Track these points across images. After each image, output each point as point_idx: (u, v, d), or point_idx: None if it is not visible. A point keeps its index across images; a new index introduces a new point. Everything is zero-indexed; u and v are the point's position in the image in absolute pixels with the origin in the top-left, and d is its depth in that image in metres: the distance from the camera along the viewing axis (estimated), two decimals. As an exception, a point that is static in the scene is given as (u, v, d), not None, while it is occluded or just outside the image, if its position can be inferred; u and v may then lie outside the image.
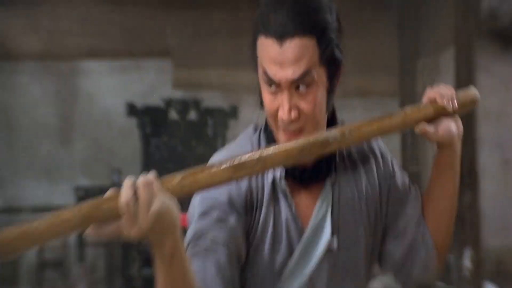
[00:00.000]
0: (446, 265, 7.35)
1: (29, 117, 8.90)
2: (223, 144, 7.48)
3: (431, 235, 2.31)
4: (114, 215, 1.70)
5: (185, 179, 1.89)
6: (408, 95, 8.16)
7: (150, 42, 8.31)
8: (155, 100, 7.90)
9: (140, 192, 1.67)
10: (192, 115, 7.64)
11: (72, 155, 8.70)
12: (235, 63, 8.10)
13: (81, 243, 7.64)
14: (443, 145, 2.19)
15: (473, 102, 2.23)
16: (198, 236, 2.04)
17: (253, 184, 2.16)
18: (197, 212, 2.10)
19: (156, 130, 7.66)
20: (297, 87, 2.02)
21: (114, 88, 8.89)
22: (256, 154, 1.99)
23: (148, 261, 7.12)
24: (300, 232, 2.17)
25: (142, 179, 1.68)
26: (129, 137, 8.18)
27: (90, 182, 8.26)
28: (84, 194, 7.64)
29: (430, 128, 2.11)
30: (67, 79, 8.89)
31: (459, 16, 7.28)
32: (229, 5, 8.07)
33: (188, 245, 2.00)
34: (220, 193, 2.08)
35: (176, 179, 1.87)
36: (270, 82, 2.03)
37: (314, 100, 2.05)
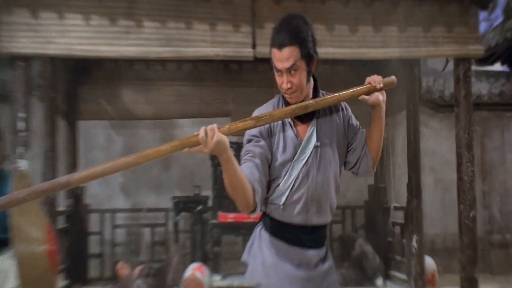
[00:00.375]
0: (401, 246, 7.51)
1: (145, 153, 9.02)
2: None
3: (370, 153, 2.91)
4: (196, 143, 2.40)
5: (231, 126, 2.57)
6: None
7: (218, 107, 8.25)
8: (221, 143, 7.77)
9: (208, 132, 2.38)
10: (243, 152, 7.32)
11: (171, 176, 8.79)
12: (270, 120, 8.18)
13: (177, 231, 7.61)
14: (374, 106, 2.77)
15: (392, 83, 2.79)
16: (246, 153, 2.77)
17: (272, 124, 2.78)
18: (246, 141, 2.81)
19: (221, 161, 7.32)
20: (290, 71, 2.66)
21: (196, 135, 9.03)
22: (268, 113, 2.67)
23: (216, 243, 7.13)
24: (300, 142, 2.80)
25: (209, 126, 2.40)
26: (204, 165, 8.10)
27: (181, 193, 8.21)
28: (178, 201, 7.56)
29: (366, 97, 2.72)
30: (167, 130, 9.13)
31: (409, 91, 7.30)
32: (267, 84, 7.95)
33: (241, 157, 2.76)
34: (255, 131, 2.76)
35: (226, 126, 2.54)
36: (277, 70, 2.71)
37: (299, 77, 2.68)
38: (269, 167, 2.78)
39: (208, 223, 7.40)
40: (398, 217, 7.72)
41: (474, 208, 6.26)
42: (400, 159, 7.87)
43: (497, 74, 9.76)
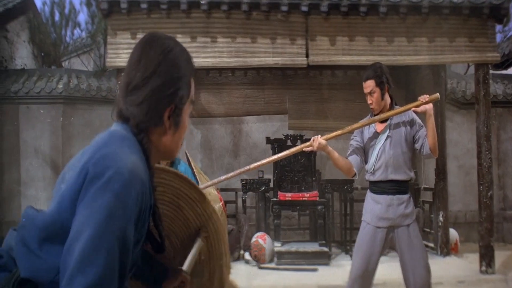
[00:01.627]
0: (430, 220, 7.40)
1: (218, 143, 9.02)
2: (314, 156, 7.66)
3: (428, 142, 3.52)
4: (309, 146, 3.54)
5: (327, 136, 3.59)
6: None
7: (277, 106, 8.20)
8: (279, 135, 7.81)
9: (314, 139, 3.55)
10: (298, 143, 7.36)
11: (239, 162, 8.62)
12: (319, 117, 8.04)
13: (244, 206, 7.50)
14: (425, 114, 3.42)
15: (436, 98, 3.48)
16: (350, 145, 3.77)
17: (363, 128, 3.75)
18: (351, 138, 3.79)
19: (280, 151, 6.89)
20: (370, 94, 3.60)
21: (259, 129, 9.00)
22: (349, 127, 3.64)
23: (276, 217, 6.99)
24: (378, 135, 3.68)
25: (314, 137, 3.55)
26: (267, 154, 8.00)
27: (248, 177, 7.71)
28: (245, 182, 7.43)
29: (417, 108, 3.45)
30: (236, 125, 9.07)
31: (437, 92, 7.24)
32: (317, 87, 8.03)
33: (349, 147, 3.78)
34: (355, 132, 3.77)
35: (325, 136, 3.58)
36: (365, 93, 3.62)
37: (376, 97, 3.59)
38: (364, 150, 3.75)
39: (270, 201, 7.39)
40: (427, 196, 7.63)
41: (491, 189, 6.27)
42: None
43: (510, 77, 9.64)
